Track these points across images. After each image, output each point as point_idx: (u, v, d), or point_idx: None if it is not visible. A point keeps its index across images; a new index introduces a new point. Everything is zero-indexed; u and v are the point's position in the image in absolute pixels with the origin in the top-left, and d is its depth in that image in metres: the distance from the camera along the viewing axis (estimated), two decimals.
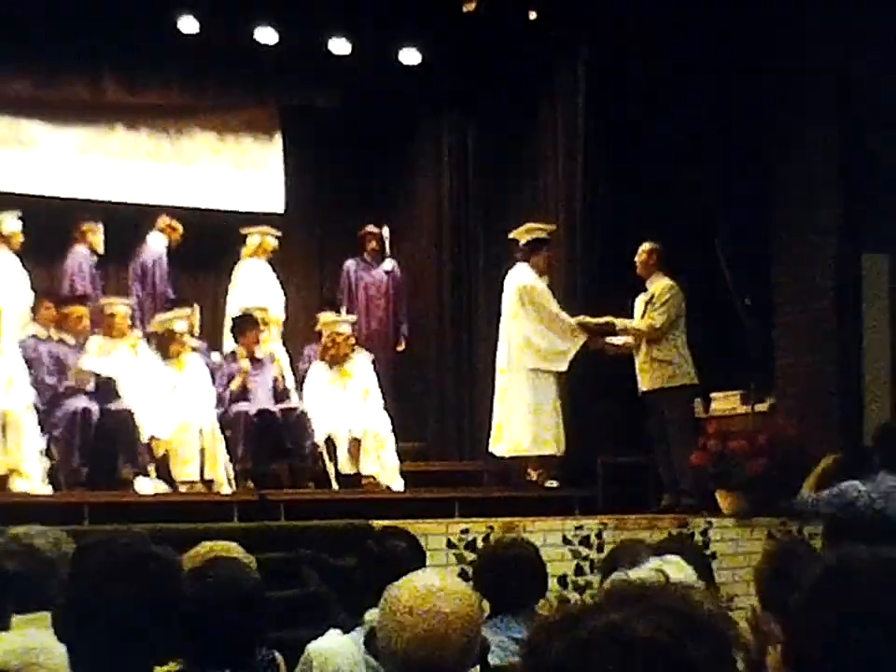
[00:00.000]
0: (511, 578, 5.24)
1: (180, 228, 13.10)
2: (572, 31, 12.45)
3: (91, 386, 10.96)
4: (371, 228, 13.71)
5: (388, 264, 13.77)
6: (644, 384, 11.31)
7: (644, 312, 11.36)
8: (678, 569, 4.44)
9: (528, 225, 11.79)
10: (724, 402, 11.37)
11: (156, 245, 13.05)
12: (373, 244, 13.73)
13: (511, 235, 11.85)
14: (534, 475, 11.61)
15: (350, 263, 13.71)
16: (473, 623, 3.17)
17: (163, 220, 13.09)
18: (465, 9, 12.23)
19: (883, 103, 11.20)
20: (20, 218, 11.94)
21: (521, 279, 11.55)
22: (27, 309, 11.89)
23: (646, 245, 11.40)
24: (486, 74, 13.13)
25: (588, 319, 11.50)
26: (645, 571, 3.98)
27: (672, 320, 11.23)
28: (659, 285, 11.34)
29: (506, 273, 11.82)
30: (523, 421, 11.44)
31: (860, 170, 11.28)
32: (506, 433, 11.57)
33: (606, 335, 11.55)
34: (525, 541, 5.61)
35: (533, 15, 12.43)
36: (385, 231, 13.83)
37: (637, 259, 11.42)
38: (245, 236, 13.30)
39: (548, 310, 11.51)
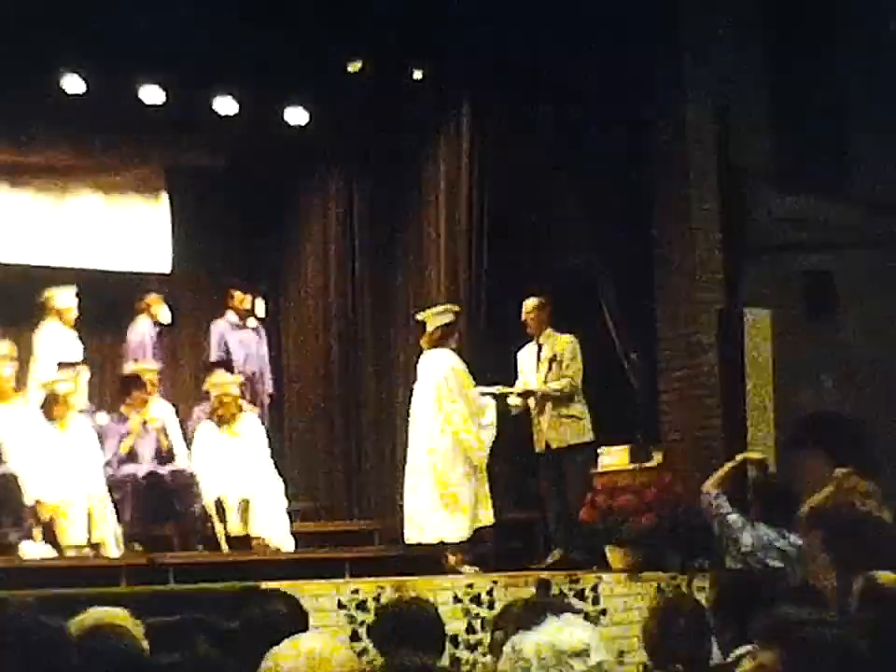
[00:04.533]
0: (410, 637, 5.22)
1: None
2: (457, 88, 12.59)
3: None
4: (239, 293, 13.50)
5: (253, 322, 13.60)
6: (553, 441, 11.32)
7: (548, 368, 11.38)
8: (583, 629, 4.47)
9: (436, 309, 11.65)
10: (612, 457, 11.44)
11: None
12: (243, 304, 13.51)
13: (418, 317, 11.71)
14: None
15: (220, 323, 13.51)
16: None
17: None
18: (350, 68, 12.30)
19: (762, 152, 11.48)
20: None
21: (452, 363, 11.35)
22: None
23: (534, 301, 11.47)
24: (372, 133, 13.21)
25: (504, 389, 11.49)
26: (549, 633, 3.98)
27: (581, 376, 11.36)
28: (560, 340, 11.40)
29: (417, 358, 11.68)
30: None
31: (740, 225, 11.50)
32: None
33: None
34: (424, 600, 5.59)
35: (418, 74, 12.54)
36: (259, 303, 13.65)
37: (526, 315, 11.47)
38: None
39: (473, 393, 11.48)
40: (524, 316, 11.49)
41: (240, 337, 13.42)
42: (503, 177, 12.28)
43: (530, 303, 11.48)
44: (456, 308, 11.68)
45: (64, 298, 12.55)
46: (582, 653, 4.13)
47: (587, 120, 11.75)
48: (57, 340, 12.48)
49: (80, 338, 12.73)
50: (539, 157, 12.07)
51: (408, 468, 11.42)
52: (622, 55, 11.45)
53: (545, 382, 11.42)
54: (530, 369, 11.55)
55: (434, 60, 12.44)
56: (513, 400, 11.52)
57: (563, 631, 4.30)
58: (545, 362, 11.44)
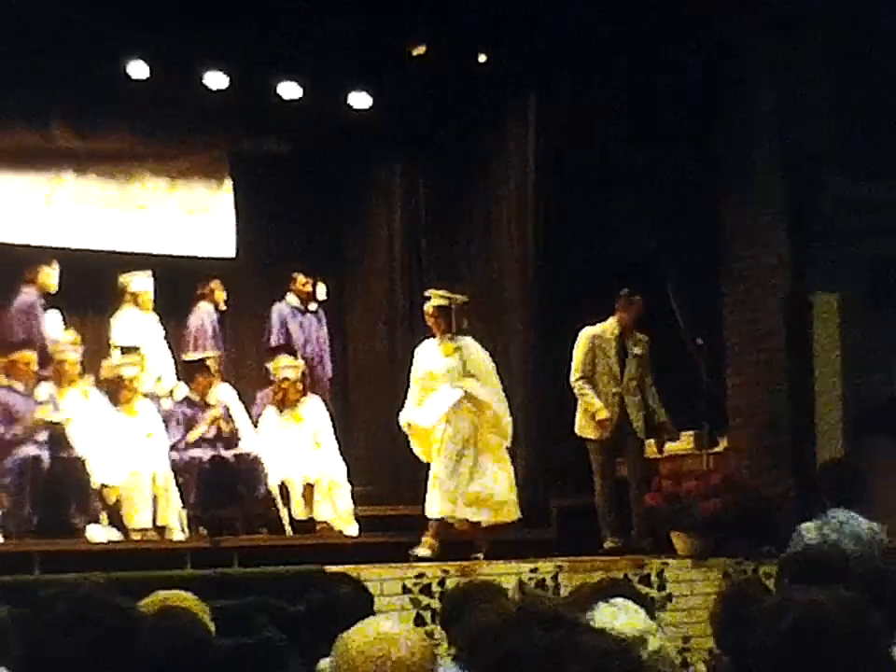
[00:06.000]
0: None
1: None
2: (522, 74, 12.53)
3: (41, 435, 10.88)
4: (301, 276, 13.52)
5: (314, 306, 13.61)
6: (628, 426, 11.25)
7: (638, 356, 11.28)
8: (629, 613, 4.43)
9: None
10: (678, 443, 11.38)
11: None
12: (305, 288, 13.53)
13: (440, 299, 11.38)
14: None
15: (280, 306, 13.54)
16: (427, 667, 3.15)
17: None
18: (414, 52, 12.28)
19: (830, 137, 11.35)
20: None
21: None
22: None
23: (636, 297, 11.33)
24: (437, 117, 13.18)
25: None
26: (605, 620, 3.96)
27: None
28: (644, 336, 11.35)
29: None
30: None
31: (808, 210, 11.39)
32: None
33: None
34: (491, 584, 5.56)
35: (483, 57, 12.48)
36: (321, 287, 13.64)
37: (626, 309, 11.27)
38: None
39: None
40: (627, 310, 11.29)
41: (300, 321, 13.44)
42: (569, 161, 12.21)
43: (633, 298, 11.30)
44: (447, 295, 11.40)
45: (140, 282, 12.62)
46: (639, 640, 4.11)
47: (652, 105, 11.67)
48: (133, 325, 12.55)
49: (162, 322, 12.83)
50: (604, 142, 12.00)
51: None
52: (686, 40, 11.36)
53: (634, 373, 11.30)
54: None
55: (499, 43, 12.38)
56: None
57: (618, 617, 4.28)
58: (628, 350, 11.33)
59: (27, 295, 12.36)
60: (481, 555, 10.57)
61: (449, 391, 11.02)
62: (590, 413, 11.15)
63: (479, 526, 10.85)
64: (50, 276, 12.43)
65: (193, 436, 11.62)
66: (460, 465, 10.81)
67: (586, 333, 11.28)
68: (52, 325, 12.49)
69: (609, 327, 11.31)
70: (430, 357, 11.18)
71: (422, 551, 10.53)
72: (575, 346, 11.24)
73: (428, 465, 11.07)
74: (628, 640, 3.64)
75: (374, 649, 3.04)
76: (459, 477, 10.76)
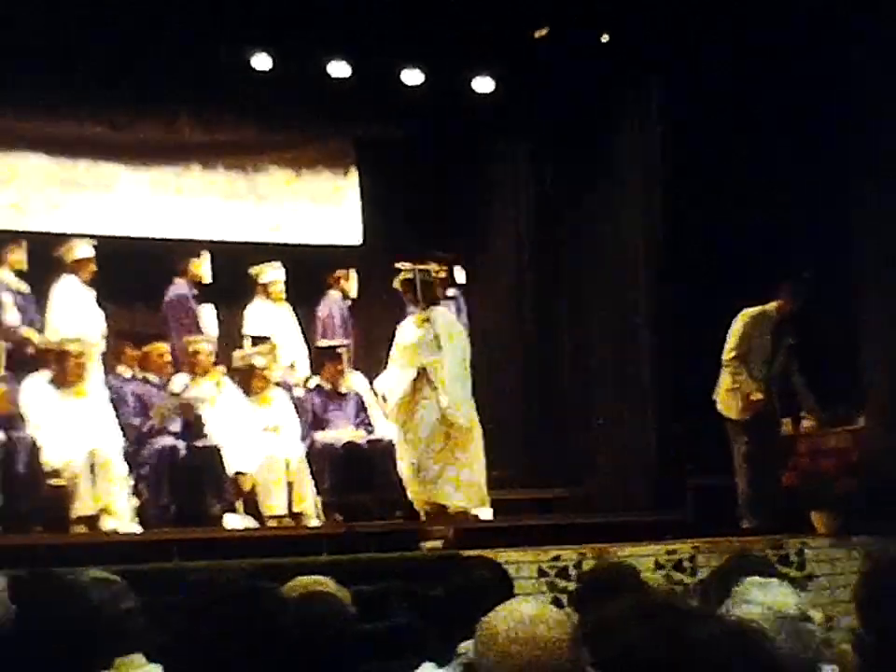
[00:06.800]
0: None
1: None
2: (645, 54, 12.39)
3: (176, 425, 11.02)
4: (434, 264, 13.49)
5: (452, 292, 13.59)
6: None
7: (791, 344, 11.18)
8: (779, 588, 4.35)
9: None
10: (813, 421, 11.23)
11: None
12: (439, 274, 13.51)
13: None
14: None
15: None
16: (574, 648, 3.12)
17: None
18: (536, 35, 12.21)
19: None
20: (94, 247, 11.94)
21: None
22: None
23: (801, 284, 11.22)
24: (560, 99, 13.08)
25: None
26: (770, 600, 3.88)
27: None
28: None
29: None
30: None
31: None
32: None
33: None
34: (628, 566, 5.52)
35: (605, 38, 12.37)
36: (459, 271, 13.62)
37: (790, 295, 11.15)
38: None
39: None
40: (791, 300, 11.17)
41: None
42: (693, 146, 12.06)
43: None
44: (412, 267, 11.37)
45: (271, 273, 12.71)
46: (800, 616, 4.02)
47: (783, 89, 11.49)
48: (265, 315, 12.66)
49: (296, 312, 12.92)
50: (732, 128, 11.84)
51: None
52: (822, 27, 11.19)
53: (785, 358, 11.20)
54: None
55: (622, 23, 12.26)
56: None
57: (768, 594, 4.19)
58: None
59: (178, 286, 12.45)
60: (440, 542, 10.37)
61: (400, 373, 10.96)
62: (740, 393, 11.02)
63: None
64: (200, 267, 12.53)
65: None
66: (432, 449, 10.71)
67: (746, 313, 11.18)
68: (208, 317, 12.62)
69: (770, 310, 11.19)
70: (405, 330, 11.19)
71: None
72: (733, 325, 11.13)
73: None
74: (760, 628, 3.56)
75: (522, 630, 3.02)
76: (434, 462, 10.67)
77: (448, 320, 11.02)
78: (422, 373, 10.87)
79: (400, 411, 11.05)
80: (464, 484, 10.88)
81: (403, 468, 11.04)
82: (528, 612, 3.10)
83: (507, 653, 3.00)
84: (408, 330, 11.20)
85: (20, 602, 3.74)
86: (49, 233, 12.52)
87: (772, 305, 11.18)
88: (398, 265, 11.28)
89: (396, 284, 11.16)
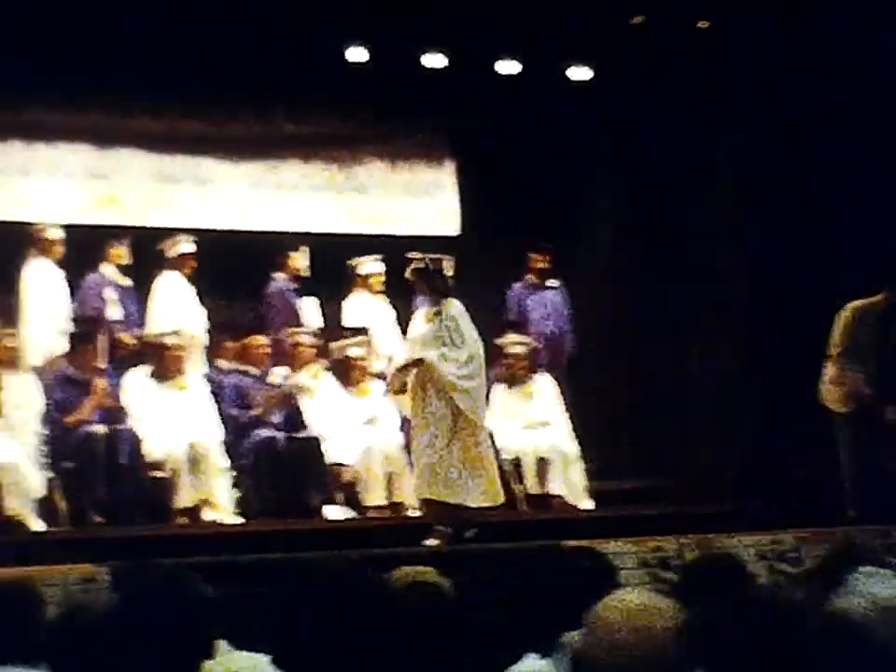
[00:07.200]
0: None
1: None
2: (741, 41, 12.27)
3: (276, 416, 11.08)
4: (534, 254, 13.45)
5: (552, 282, 13.54)
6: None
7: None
8: (888, 579, 4.28)
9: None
10: None
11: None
12: (538, 264, 13.48)
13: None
14: None
15: (515, 286, 13.52)
16: (682, 637, 3.10)
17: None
18: (632, 21, 12.13)
19: None
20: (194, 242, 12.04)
21: None
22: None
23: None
24: (657, 87, 12.98)
25: None
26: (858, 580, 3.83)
27: None
28: None
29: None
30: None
31: None
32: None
33: None
34: (732, 556, 5.45)
35: (704, 24, 12.26)
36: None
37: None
38: None
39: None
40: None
41: (538, 297, 13.36)
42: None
43: None
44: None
45: (370, 266, 12.72)
46: None
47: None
48: (363, 308, 12.69)
49: (394, 305, 12.88)
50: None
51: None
52: None
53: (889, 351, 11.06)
54: None
55: (720, 8, 12.15)
56: None
57: (876, 585, 4.13)
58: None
59: (278, 282, 12.52)
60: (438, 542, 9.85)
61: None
62: (846, 386, 10.89)
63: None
64: (299, 260, 12.56)
65: None
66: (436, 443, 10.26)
67: (852, 306, 11.04)
68: (310, 311, 12.67)
69: (877, 302, 11.05)
70: (417, 322, 10.94)
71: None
72: (837, 317, 11.00)
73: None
74: (867, 622, 3.49)
75: (635, 619, 3.00)
76: (438, 456, 10.17)
77: (460, 312, 10.53)
78: (432, 368, 10.34)
79: (411, 407, 10.55)
80: (475, 481, 10.38)
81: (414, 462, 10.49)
82: (638, 602, 3.08)
83: (620, 644, 2.97)
84: (419, 325, 10.85)
85: (123, 593, 3.76)
86: (147, 228, 12.66)
87: (878, 298, 11.05)
88: (409, 255, 10.86)
89: (407, 274, 10.76)
